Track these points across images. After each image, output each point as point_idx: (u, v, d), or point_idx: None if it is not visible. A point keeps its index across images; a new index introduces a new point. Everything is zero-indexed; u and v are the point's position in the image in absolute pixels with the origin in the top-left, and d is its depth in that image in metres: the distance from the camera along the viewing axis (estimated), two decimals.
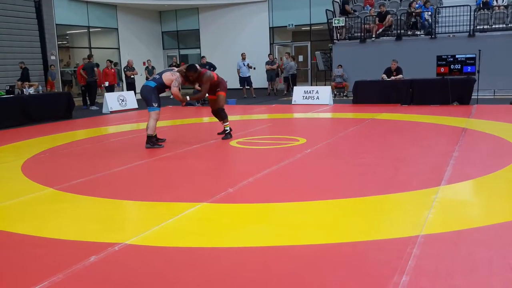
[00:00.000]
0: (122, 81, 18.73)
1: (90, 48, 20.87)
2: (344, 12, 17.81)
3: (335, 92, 16.44)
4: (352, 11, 18.06)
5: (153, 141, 7.40)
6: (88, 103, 16.12)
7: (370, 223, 3.81)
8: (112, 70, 16.57)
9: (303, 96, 14.58)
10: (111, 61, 16.94)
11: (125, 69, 17.41)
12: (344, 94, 16.44)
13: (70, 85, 20.73)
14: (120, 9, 21.93)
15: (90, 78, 15.67)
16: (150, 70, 19.35)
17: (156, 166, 6.29)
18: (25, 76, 14.65)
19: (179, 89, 7.61)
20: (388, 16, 16.57)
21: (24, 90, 12.66)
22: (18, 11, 17.06)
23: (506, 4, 15.77)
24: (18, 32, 16.94)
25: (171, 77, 7.35)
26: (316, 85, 18.47)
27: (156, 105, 7.33)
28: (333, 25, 17.20)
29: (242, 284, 2.83)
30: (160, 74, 7.48)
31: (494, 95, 14.42)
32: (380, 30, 16.62)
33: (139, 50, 22.57)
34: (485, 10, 15.76)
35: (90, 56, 16.40)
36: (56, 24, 18.77)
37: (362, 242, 3.40)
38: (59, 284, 2.87)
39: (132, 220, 4.32)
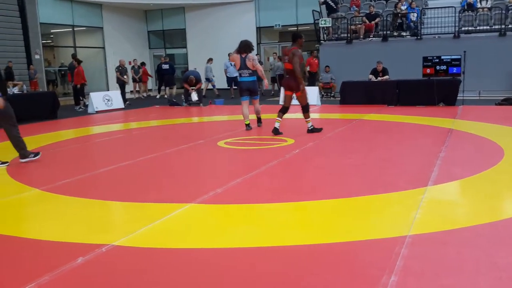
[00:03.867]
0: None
1: (75, 47, 20.69)
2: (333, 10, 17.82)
3: (323, 93, 16.49)
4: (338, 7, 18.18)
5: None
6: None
7: (358, 224, 3.82)
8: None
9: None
10: (76, 60, 15.53)
11: (117, 69, 17.22)
12: (332, 94, 16.51)
13: (55, 85, 20.52)
14: (105, 8, 21.76)
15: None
16: (136, 70, 19.22)
17: (144, 167, 6.24)
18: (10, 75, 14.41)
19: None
20: (378, 19, 16.68)
21: (8, 89, 12.48)
22: (1, 9, 16.84)
23: (490, 6, 15.98)
24: (1, 30, 16.71)
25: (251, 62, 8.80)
26: None
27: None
28: (320, 25, 17.26)
29: (230, 285, 2.82)
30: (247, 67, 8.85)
31: (479, 96, 14.59)
32: (372, 33, 16.71)
33: (125, 49, 22.42)
34: (470, 11, 15.94)
35: (74, 56, 16.19)
36: (40, 23, 18.56)
37: (350, 242, 3.41)
38: (45, 286, 2.83)
39: (120, 221, 4.28)
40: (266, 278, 2.88)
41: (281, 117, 8.39)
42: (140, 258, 3.24)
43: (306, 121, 8.38)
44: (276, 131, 8.27)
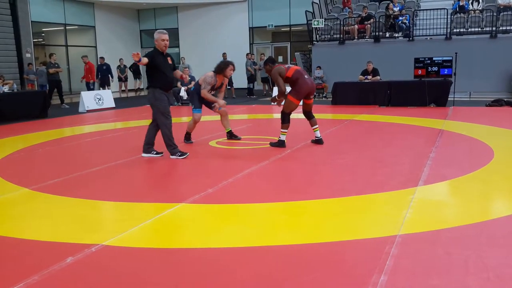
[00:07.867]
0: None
1: (66, 46, 20.57)
2: None
3: (315, 93, 16.50)
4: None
5: (187, 137, 7.82)
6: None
7: (348, 223, 3.83)
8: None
9: None
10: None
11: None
12: (324, 95, 16.55)
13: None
14: (97, 6, 21.66)
15: (58, 77, 15.39)
16: (122, 69, 19.08)
17: (134, 166, 6.21)
18: None
19: (210, 91, 7.50)
20: (371, 20, 16.75)
21: None
22: None
23: (481, 8, 16.09)
24: None
25: (201, 81, 7.57)
26: None
27: (193, 107, 7.73)
28: (313, 26, 17.29)
29: (220, 284, 2.81)
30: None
31: (470, 97, 14.70)
32: (367, 34, 16.76)
33: (117, 48, 22.31)
34: (461, 14, 16.05)
35: (51, 55, 16.00)
36: (31, 21, 18.43)
37: (340, 242, 3.42)
38: (34, 285, 2.81)
39: (110, 221, 4.26)
40: (256, 278, 2.88)
41: None
42: (130, 258, 3.22)
43: None
44: None
